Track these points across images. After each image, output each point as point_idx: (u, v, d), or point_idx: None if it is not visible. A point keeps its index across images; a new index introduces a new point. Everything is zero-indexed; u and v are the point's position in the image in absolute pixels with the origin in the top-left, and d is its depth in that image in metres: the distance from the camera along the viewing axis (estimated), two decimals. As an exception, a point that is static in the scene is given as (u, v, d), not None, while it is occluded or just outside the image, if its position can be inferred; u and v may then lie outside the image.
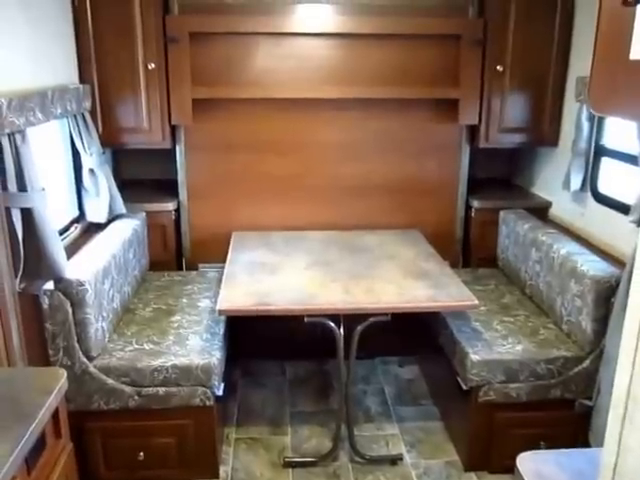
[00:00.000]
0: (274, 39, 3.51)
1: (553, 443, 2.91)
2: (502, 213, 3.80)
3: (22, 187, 2.39)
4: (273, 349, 3.91)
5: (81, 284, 2.62)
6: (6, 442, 1.58)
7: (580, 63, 3.51)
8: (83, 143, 3.14)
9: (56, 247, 2.55)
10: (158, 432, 2.86)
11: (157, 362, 2.76)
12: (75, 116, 3.08)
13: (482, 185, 4.04)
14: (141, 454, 2.85)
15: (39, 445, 1.79)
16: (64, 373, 1.95)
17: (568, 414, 2.93)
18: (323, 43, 3.54)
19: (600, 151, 3.39)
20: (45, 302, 2.63)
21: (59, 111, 2.79)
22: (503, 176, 4.38)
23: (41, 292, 2.61)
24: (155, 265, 3.71)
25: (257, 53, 3.53)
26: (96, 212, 3.31)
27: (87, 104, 3.22)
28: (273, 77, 3.55)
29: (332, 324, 2.85)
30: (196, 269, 3.83)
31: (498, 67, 3.56)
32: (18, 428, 1.65)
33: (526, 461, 1.64)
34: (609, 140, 3.36)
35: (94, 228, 3.33)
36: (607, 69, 1.12)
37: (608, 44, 1.11)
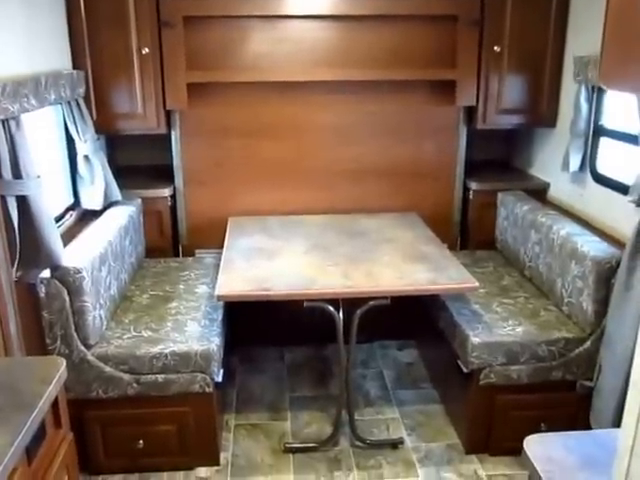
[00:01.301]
0: (269, 22, 3.46)
1: (554, 425, 2.91)
2: (500, 195, 3.78)
3: (17, 174, 2.36)
4: (271, 335, 3.90)
5: (78, 272, 2.59)
6: (6, 432, 1.57)
7: (577, 43, 3.47)
8: (77, 130, 3.10)
9: (52, 235, 2.52)
10: (157, 419, 2.84)
11: (156, 349, 2.74)
12: (69, 102, 3.03)
13: (479, 167, 4.01)
14: (141, 442, 2.83)
15: (39, 435, 1.78)
16: (63, 362, 1.94)
17: (569, 395, 2.93)
18: (318, 25, 3.50)
19: (599, 131, 3.36)
20: (42, 291, 2.60)
21: (53, 97, 2.75)
22: (500, 158, 4.34)
23: (38, 281, 2.58)
24: (151, 251, 3.68)
25: (252, 36, 3.49)
26: (91, 199, 3.27)
27: (81, 90, 3.17)
28: (268, 60, 3.51)
29: (331, 308, 2.83)
30: (192, 255, 3.80)
31: (495, 48, 3.52)
32: (18, 418, 1.64)
33: (533, 444, 1.61)
34: (608, 120, 3.33)
35: (89, 215, 3.30)
36: (618, 43, 1.09)
37: (619, 17, 1.08)
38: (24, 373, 1.90)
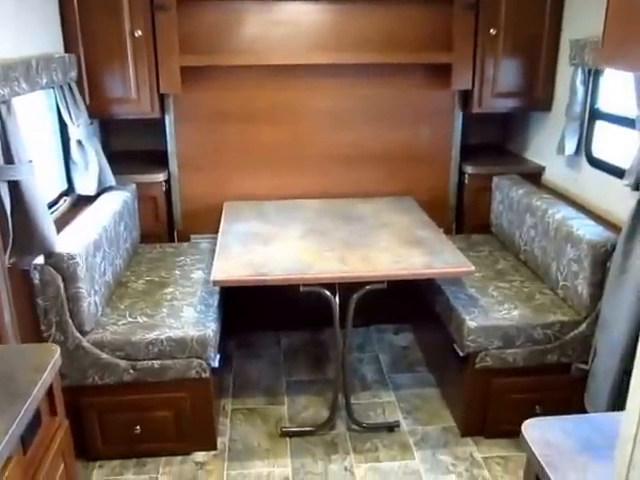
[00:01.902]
0: (264, 5, 3.44)
1: (548, 407, 2.93)
2: (495, 179, 3.77)
3: (9, 159, 2.33)
4: (268, 320, 3.90)
5: (72, 258, 2.58)
6: (0, 421, 1.55)
7: (573, 26, 3.45)
8: (70, 114, 3.07)
9: (46, 221, 2.50)
10: (154, 405, 2.84)
11: (152, 335, 2.73)
12: (61, 87, 3.00)
13: (474, 151, 4.00)
14: (138, 428, 2.84)
15: (34, 423, 1.76)
16: (57, 349, 1.92)
17: (564, 378, 2.95)
18: (314, 8, 3.48)
19: (594, 114, 3.35)
20: (36, 277, 2.58)
21: (45, 81, 2.72)
22: (495, 142, 4.33)
23: (31, 267, 2.56)
24: (146, 237, 3.67)
25: (247, 19, 3.46)
26: (85, 185, 3.25)
27: (73, 74, 3.14)
28: (263, 44, 3.48)
29: (328, 293, 2.83)
30: (188, 240, 3.79)
31: (491, 31, 3.50)
32: (12, 406, 1.62)
33: (532, 428, 1.61)
34: (604, 104, 3.32)
35: (83, 201, 3.28)
36: (620, 23, 1.08)
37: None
38: (18, 361, 1.89)
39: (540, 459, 1.49)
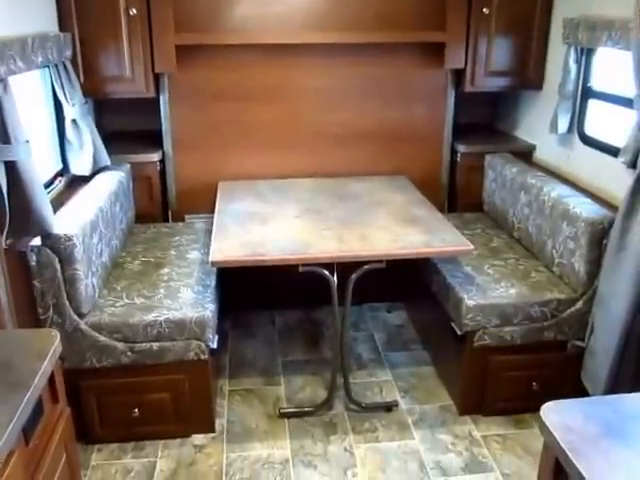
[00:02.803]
0: None
1: (545, 384, 2.98)
2: (488, 157, 3.78)
3: (5, 139, 2.28)
4: (261, 299, 3.88)
5: (69, 239, 2.53)
6: (1, 413, 1.49)
7: (565, 5, 3.45)
8: (65, 93, 3.01)
9: (43, 202, 2.45)
10: (152, 388, 2.81)
11: (150, 317, 2.70)
12: (56, 65, 2.93)
13: (465, 130, 3.99)
14: (136, 410, 2.81)
15: (36, 412, 1.69)
16: (57, 335, 1.87)
17: (561, 355, 2.99)
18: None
19: (587, 93, 3.36)
20: (32, 259, 2.54)
21: (40, 59, 2.66)
22: (484, 121, 4.34)
23: (28, 249, 2.51)
24: (141, 217, 3.62)
25: None
26: (80, 165, 3.19)
27: (68, 53, 3.07)
28: (257, 23, 3.44)
29: (327, 273, 2.81)
30: (182, 220, 3.75)
31: (484, 10, 3.49)
32: (13, 397, 1.56)
33: (551, 412, 1.56)
34: (596, 82, 3.33)
35: (78, 181, 3.22)
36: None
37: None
38: (17, 348, 1.83)
39: (563, 445, 1.45)
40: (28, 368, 1.69)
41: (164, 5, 3.26)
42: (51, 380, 1.85)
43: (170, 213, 3.77)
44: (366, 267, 2.81)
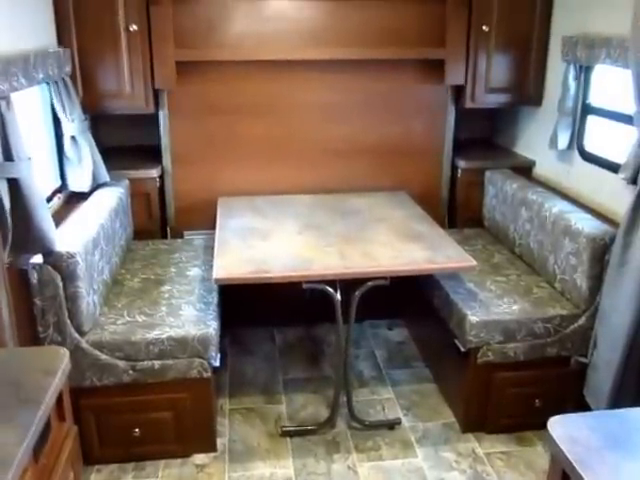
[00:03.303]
0: (257, 0, 3.40)
1: (548, 401, 2.96)
2: (488, 173, 3.79)
3: (8, 156, 2.26)
4: (260, 315, 3.85)
5: (72, 256, 2.50)
6: (13, 432, 1.48)
7: (564, 23, 3.48)
8: (64, 109, 3.00)
9: (45, 219, 2.43)
10: (154, 407, 2.78)
11: (152, 334, 2.67)
12: (56, 81, 2.92)
13: (464, 145, 4.00)
14: (137, 430, 2.77)
15: (45, 430, 1.68)
16: (66, 352, 1.86)
17: (563, 371, 2.98)
18: (306, 4, 3.46)
19: (587, 110, 3.38)
20: (34, 277, 2.51)
21: (41, 76, 2.65)
22: (483, 136, 4.35)
23: (29, 266, 2.48)
24: (139, 234, 3.59)
25: (240, 15, 3.42)
26: (79, 181, 3.17)
27: (68, 68, 3.06)
28: (256, 39, 3.44)
29: (330, 289, 2.79)
30: (181, 236, 3.72)
31: (484, 27, 3.52)
32: (24, 415, 1.55)
33: (558, 425, 1.60)
34: (595, 99, 3.35)
35: (76, 198, 3.20)
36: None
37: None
38: (25, 365, 1.81)
39: (569, 456, 1.48)
40: (38, 385, 1.69)
41: (164, 21, 3.25)
42: (58, 398, 1.82)
43: (168, 229, 3.74)
44: (370, 284, 2.79)
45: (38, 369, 1.77)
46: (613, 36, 2.90)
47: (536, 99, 3.73)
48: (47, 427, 1.72)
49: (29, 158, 2.34)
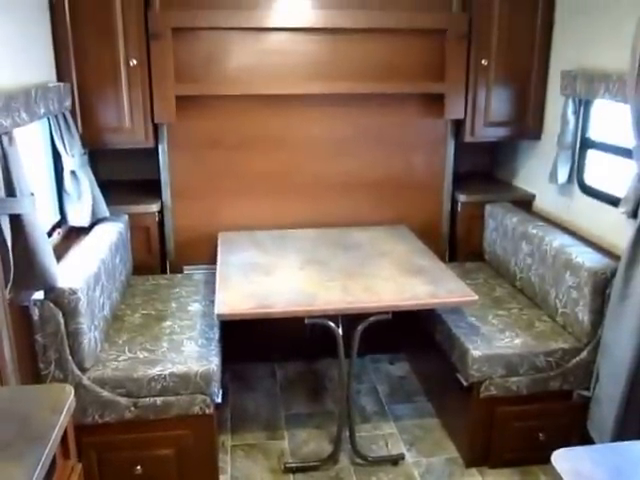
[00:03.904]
0: (258, 34, 3.42)
1: (551, 435, 2.95)
2: (488, 207, 3.80)
3: (10, 192, 2.26)
4: (261, 350, 3.83)
5: (73, 292, 2.50)
6: (21, 469, 1.47)
7: (562, 57, 3.51)
8: (64, 144, 3.01)
9: (47, 255, 2.43)
10: (156, 444, 2.75)
11: (154, 371, 2.66)
12: (56, 116, 2.94)
13: (464, 179, 4.02)
14: (138, 468, 2.73)
15: (50, 468, 1.66)
16: (71, 390, 1.85)
17: (566, 405, 2.97)
18: (307, 38, 3.47)
19: (586, 144, 3.40)
20: (35, 313, 2.50)
21: (42, 111, 2.67)
22: (483, 169, 4.38)
23: (31, 303, 2.47)
24: (138, 269, 3.58)
25: (241, 48, 3.44)
26: (78, 216, 3.17)
27: (68, 103, 3.07)
28: (257, 73, 3.46)
29: (332, 324, 2.79)
30: (180, 271, 3.71)
31: (483, 61, 3.56)
32: (31, 452, 1.54)
33: (562, 459, 1.61)
34: (595, 133, 3.37)
35: (75, 233, 3.20)
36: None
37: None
38: (32, 402, 1.80)
39: None
40: (44, 422, 1.68)
41: (164, 56, 3.28)
42: (63, 435, 1.81)
43: (168, 264, 3.73)
44: (372, 319, 2.79)
45: (45, 406, 1.77)
46: (612, 71, 2.94)
47: (535, 133, 3.76)
48: (53, 464, 1.71)
49: (32, 194, 2.34)
